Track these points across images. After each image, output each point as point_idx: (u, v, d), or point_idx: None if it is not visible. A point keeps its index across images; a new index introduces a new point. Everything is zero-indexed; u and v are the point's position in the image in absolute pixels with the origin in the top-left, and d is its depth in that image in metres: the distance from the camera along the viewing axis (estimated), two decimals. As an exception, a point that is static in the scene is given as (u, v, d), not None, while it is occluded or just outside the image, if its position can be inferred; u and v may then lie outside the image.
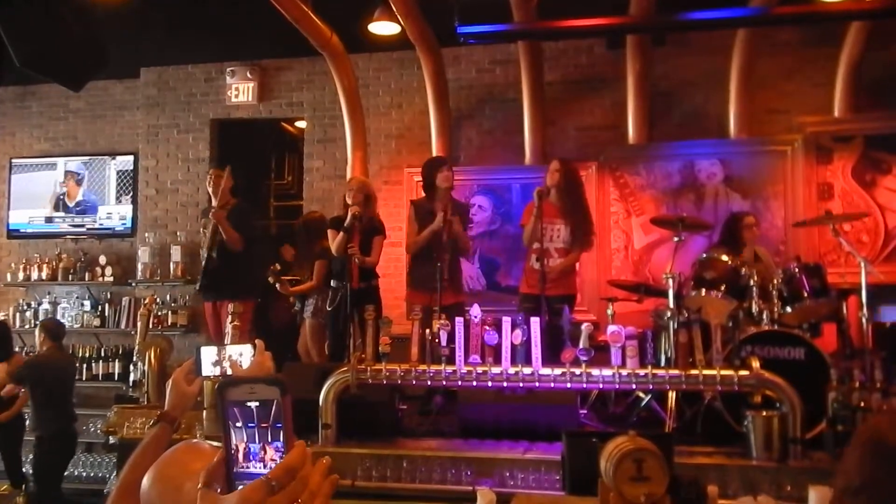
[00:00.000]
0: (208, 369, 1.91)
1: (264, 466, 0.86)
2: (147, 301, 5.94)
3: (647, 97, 6.32)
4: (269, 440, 0.86)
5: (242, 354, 1.89)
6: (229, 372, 1.88)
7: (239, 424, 0.86)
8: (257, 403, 0.86)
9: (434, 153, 6.62)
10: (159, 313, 6.93)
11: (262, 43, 6.87)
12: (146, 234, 7.33)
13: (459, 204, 5.36)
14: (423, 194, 5.32)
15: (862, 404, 3.61)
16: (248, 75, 7.25)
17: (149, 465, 1.39)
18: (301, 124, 7.48)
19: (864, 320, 4.38)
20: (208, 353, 1.92)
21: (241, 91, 7.26)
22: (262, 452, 0.86)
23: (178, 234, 7.27)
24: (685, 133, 6.42)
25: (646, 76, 6.27)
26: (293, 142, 7.84)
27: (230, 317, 4.69)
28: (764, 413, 3.44)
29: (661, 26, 5.69)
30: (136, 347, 5.50)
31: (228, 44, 6.93)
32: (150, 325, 6.27)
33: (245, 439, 0.86)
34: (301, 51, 6.45)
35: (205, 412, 4.80)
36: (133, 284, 7.30)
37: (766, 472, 3.22)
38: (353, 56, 6.68)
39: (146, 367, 5.29)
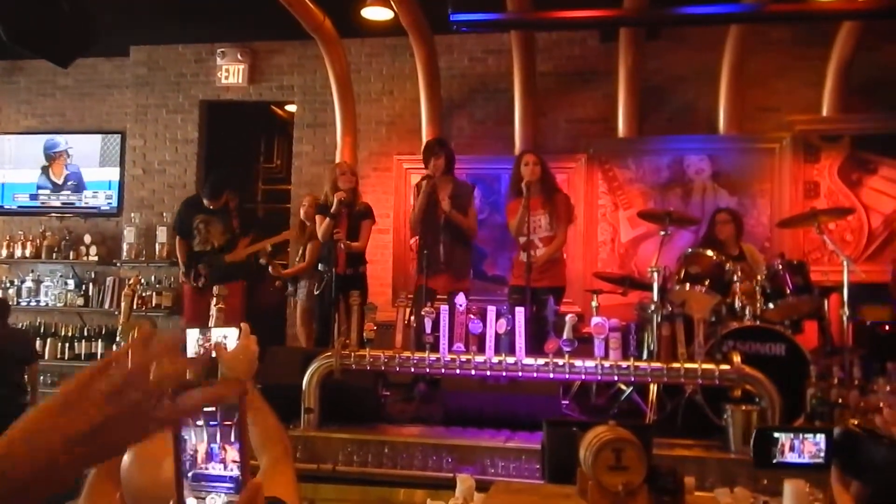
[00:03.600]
0: (193, 351, 1.90)
1: (224, 468, 0.84)
2: (131, 281, 5.90)
3: (638, 91, 6.33)
4: (231, 440, 0.83)
5: (227, 337, 1.89)
6: (213, 355, 1.88)
7: (200, 423, 0.83)
8: (213, 410, 0.83)
9: (424, 141, 6.60)
10: (143, 294, 6.89)
11: (254, 25, 6.82)
12: (132, 215, 7.28)
13: (462, 185, 5.29)
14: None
15: (840, 401, 3.66)
16: (239, 57, 7.19)
17: (129, 444, 1.40)
18: (291, 108, 7.44)
19: (844, 318, 4.43)
20: (193, 335, 1.91)
21: (231, 73, 7.20)
22: (223, 453, 0.84)
23: (164, 215, 7.22)
24: (675, 128, 6.44)
25: (638, 70, 6.27)
26: (283, 125, 7.80)
27: (215, 299, 4.68)
28: (743, 407, 3.49)
29: (655, 20, 5.70)
30: (119, 328, 5.47)
31: (219, 25, 6.87)
32: (134, 306, 6.24)
33: (206, 440, 0.84)
34: (293, 34, 6.41)
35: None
36: (118, 264, 7.26)
37: (743, 466, 3.26)
38: (346, 41, 6.64)
39: (129, 348, 5.26)
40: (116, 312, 6.06)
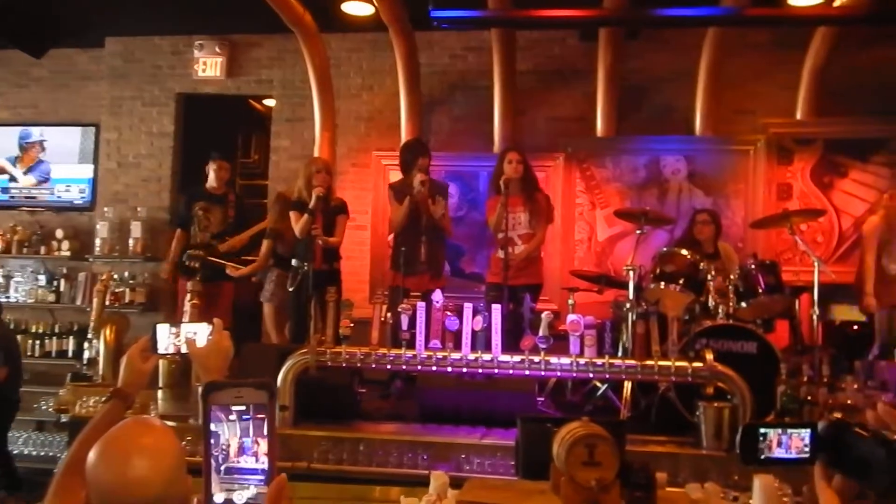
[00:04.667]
0: (164, 347, 1.88)
1: (256, 461, 0.87)
2: (104, 277, 5.84)
3: (616, 91, 6.37)
4: (263, 433, 0.87)
5: (198, 333, 1.87)
6: (184, 350, 1.86)
7: (233, 418, 0.86)
8: (243, 408, 0.86)
9: (403, 137, 6.59)
10: (117, 290, 6.80)
11: (233, 17, 6.75)
12: (105, 209, 7.18)
13: (438, 184, 5.32)
14: (402, 175, 5.29)
15: (809, 398, 3.73)
16: (217, 50, 7.12)
17: (98, 442, 1.37)
18: (269, 102, 7.38)
19: (815, 318, 4.50)
20: (164, 331, 1.89)
21: (208, 65, 7.13)
22: (255, 446, 0.87)
23: (138, 209, 7.14)
24: (652, 128, 6.49)
25: (617, 70, 6.31)
26: (261, 120, 7.74)
27: (189, 295, 4.64)
28: (715, 404, 3.53)
29: (635, 21, 5.74)
30: (92, 324, 5.41)
31: (197, 17, 6.79)
32: (107, 302, 6.17)
33: (238, 434, 0.87)
34: (272, 27, 6.36)
35: (160, 392, 4.77)
36: (90, 260, 7.15)
37: (715, 461, 3.31)
38: (326, 35, 6.60)
39: (101, 345, 5.21)
40: (88, 309, 5.96)
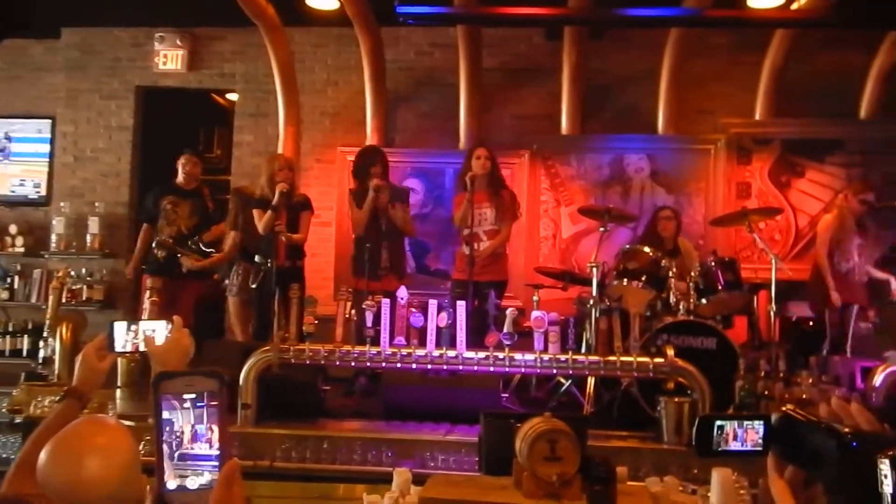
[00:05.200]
0: (121, 345, 1.84)
1: (210, 447, 0.89)
2: (60, 274, 5.71)
3: (581, 89, 6.43)
4: (216, 420, 0.89)
5: (156, 331, 1.83)
6: (143, 348, 1.83)
7: (187, 406, 0.89)
8: (194, 396, 0.89)
9: (369, 134, 6.57)
10: (73, 287, 6.65)
11: (194, 9, 6.63)
12: (62, 204, 7.01)
13: (398, 189, 5.34)
14: (353, 182, 5.32)
15: (766, 392, 3.81)
16: (178, 42, 7.00)
17: (52, 442, 1.34)
18: (232, 97, 7.28)
19: (772, 314, 4.60)
20: (121, 329, 1.85)
21: (169, 58, 7.01)
22: (209, 433, 0.89)
23: (96, 204, 6.99)
24: (616, 127, 6.56)
25: (582, 69, 6.37)
26: (223, 114, 7.63)
27: (148, 292, 4.56)
28: (676, 399, 3.58)
29: (598, 20, 5.80)
30: (47, 322, 5.28)
31: (158, 8, 6.66)
32: (64, 300, 6.04)
33: (192, 421, 0.89)
34: (235, 20, 6.27)
35: (119, 391, 4.68)
36: (46, 256, 6.98)
37: (675, 455, 3.35)
38: (290, 29, 6.54)
39: (57, 344, 5.10)
40: (44, 306, 5.81)
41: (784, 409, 0.90)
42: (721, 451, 0.92)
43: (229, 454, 0.90)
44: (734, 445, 0.92)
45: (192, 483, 0.90)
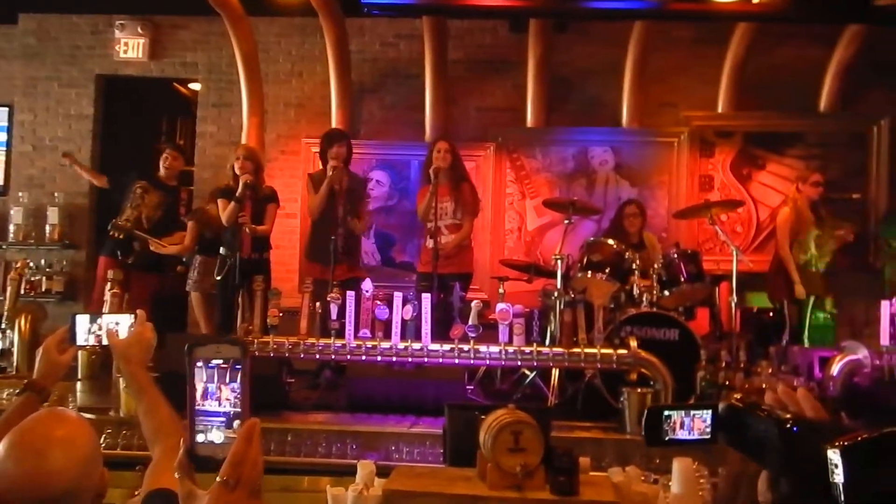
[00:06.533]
0: (83, 338, 1.81)
1: (219, 405, 0.98)
2: (18, 265, 5.59)
3: (546, 82, 6.45)
4: (227, 381, 0.98)
5: (119, 324, 1.81)
6: (105, 342, 1.80)
7: (199, 365, 0.98)
8: (221, 361, 0.98)
9: (334, 125, 6.51)
10: (32, 278, 6.51)
11: (155, -3, 6.52)
12: (20, 194, 6.85)
13: (357, 179, 5.31)
14: (320, 166, 5.25)
15: (727, 382, 3.88)
16: (139, 30, 6.86)
17: (12, 436, 1.32)
18: (195, 86, 7.17)
19: (733, 305, 4.68)
20: (83, 322, 1.82)
21: (130, 47, 6.86)
22: (219, 392, 0.98)
23: (55, 195, 6.84)
24: (581, 120, 6.60)
25: (546, 61, 6.39)
26: (186, 104, 7.51)
27: (109, 283, 4.49)
28: (639, 390, 3.64)
29: (562, 12, 5.80)
30: (6, 314, 5.19)
31: (118, -5, 6.53)
32: (22, 291, 5.91)
33: (204, 379, 0.98)
34: (197, 8, 6.16)
35: (79, 383, 4.61)
36: (3, 247, 6.82)
37: (638, 446, 3.40)
38: (253, 19, 6.44)
39: (16, 336, 5.01)
40: (2, 298, 5.70)
41: (732, 398, 0.92)
42: (669, 441, 0.94)
43: (249, 413, 0.99)
44: (682, 434, 0.94)
45: (217, 437, 0.99)
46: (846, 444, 0.71)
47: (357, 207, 5.05)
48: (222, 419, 0.99)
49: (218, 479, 0.93)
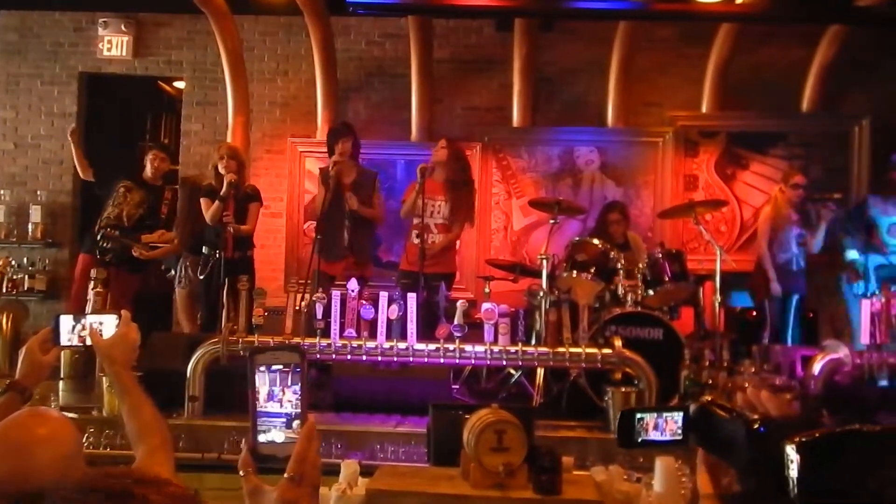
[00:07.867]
0: (67, 339, 1.80)
1: (280, 406, 1.05)
2: (0, 263, 5.55)
3: (532, 82, 6.47)
4: (288, 384, 1.05)
5: (103, 324, 1.80)
6: (89, 342, 1.79)
7: (262, 369, 1.04)
8: (281, 367, 1.05)
9: (320, 124, 6.50)
10: (14, 277, 6.46)
11: (137, -6, 6.47)
12: (2, 192, 6.79)
13: (366, 172, 5.22)
14: (320, 164, 5.22)
15: (710, 381, 3.90)
16: (123, 28, 6.81)
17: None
18: (180, 84, 7.13)
19: (717, 304, 4.71)
20: (67, 322, 1.81)
21: (114, 44, 6.81)
22: (281, 394, 1.05)
23: (38, 193, 6.78)
24: (567, 119, 6.62)
25: (532, 61, 6.40)
26: (171, 103, 7.46)
27: (92, 283, 4.46)
28: (623, 389, 3.66)
29: (548, 12, 5.83)
30: (-13, 313, 5.14)
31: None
32: (4, 290, 5.87)
33: (267, 383, 1.05)
34: (181, 6, 6.12)
35: (62, 382, 4.57)
36: (-16, 245, 6.75)
37: (621, 445, 3.42)
38: (238, 17, 6.41)
39: (-3, 335, 4.97)
40: (-17, 297, 5.66)
41: (702, 400, 0.93)
42: (642, 442, 0.96)
43: (307, 415, 1.06)
44: (654, 435, 0.96)
45: (278, 436, 1.05)
46: (803, 440, 0.73)
47: (369, 199, 5.02)
48: (283, 420, 1.05)
49: (285, 475, 1.00)
